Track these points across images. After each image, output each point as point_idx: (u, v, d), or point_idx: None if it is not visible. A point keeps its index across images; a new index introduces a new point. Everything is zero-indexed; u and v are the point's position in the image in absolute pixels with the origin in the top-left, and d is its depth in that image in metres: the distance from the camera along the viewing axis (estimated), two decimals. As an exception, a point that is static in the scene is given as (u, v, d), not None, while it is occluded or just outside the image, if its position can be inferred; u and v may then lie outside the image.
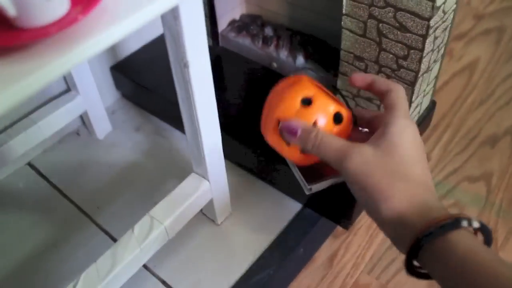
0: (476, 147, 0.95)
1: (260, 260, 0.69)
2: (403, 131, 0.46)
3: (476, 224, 0.41)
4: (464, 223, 0.40)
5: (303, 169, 0.65)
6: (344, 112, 0.54)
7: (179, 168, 0.81)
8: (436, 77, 0.77)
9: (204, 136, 0.59)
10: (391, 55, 0.67)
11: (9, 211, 0.79)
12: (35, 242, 0.74)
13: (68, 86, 0.83)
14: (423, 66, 0.67)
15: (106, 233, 0.75)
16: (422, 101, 0.76)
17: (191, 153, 0.64)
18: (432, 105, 0.82)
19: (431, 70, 0.72)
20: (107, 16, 0.39)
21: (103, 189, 0.81)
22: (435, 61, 0.71)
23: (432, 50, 0.67)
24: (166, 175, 0.81)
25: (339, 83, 0.77)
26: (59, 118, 0.80)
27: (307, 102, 0.54)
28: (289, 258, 0.70)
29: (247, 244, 0.71)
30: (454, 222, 0.40)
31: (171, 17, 0.48)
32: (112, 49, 0.91)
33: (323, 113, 0.54)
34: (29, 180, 0.84)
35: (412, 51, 0.65)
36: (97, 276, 0.58)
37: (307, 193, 0.64)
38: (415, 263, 0.43)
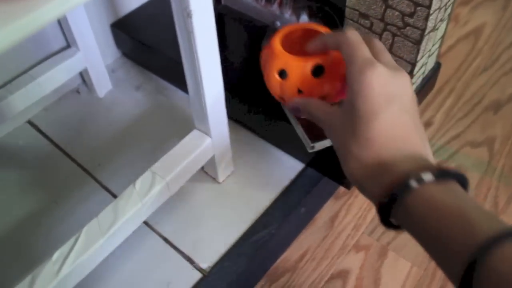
0: (479, 112, 0.94)
1: (261, 219, 0.69)
2: (358, 87, 0.43)
3: (428, 177, 0.39)
4: (413, 184, 0.38)
5: (306, 127, 0.64)
6: (325, 59, 0.56)
7: (180, 127, 0.80)
8: (442, 38, 0.76)
9: (207, 89, 0.58)
10: (397, 12, 0.66)
11: (9, 168, 0.79)
12: (36, 198, 0.74)
13: (68, 43, 0.82)
14: (430, 24, 0.66)
15: (107, 190, 0.74)
16: (427, 61, 0.75)
17: (193, 108, 0.63)
18: (437, 66, 0.81)
19: (437, 29, 0.70)
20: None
21: (104, 147, 0.80)
22: (441, 20, 0.70)
23: (439, 8, 0.66)
24: (167, 134, 0.80)
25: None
26: (59, 75, 0.79)
27: (283, 75, 0.58)
28: (291, 218, 0.70)
29: (248, 202, 0.71)
30: (403, 188, 0.39)
31: (175, -37, 0.47)
32: (113, 6, 0.89)
33: (300, 79, 0.57)
34: (30, 137, 0.83)
35: (419, 8, 0.63)
36: (98, 230, 0.58)
37: (309, 150, 0.63)
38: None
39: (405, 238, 0.76)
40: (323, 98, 0.61)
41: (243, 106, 0.75)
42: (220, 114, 0.64)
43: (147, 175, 0.62)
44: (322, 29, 0.62)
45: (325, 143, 0.63)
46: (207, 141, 0.65)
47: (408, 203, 0.38)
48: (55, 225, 0.71)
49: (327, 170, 0.73)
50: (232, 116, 0.78)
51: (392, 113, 0.42)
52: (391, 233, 0.77)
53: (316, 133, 0.63)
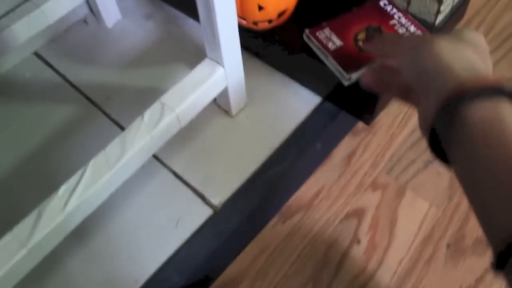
0: (509, 47, 0.88)
1: (276, 154, 0.66)
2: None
3: (491, 93, 0.35)
4: (483, 94, 0.35)
5: (339, 59, 0.61)
6: None
7: (192, 57, 0.76)
8: (475, -38, 0.70)
9: (219, 15, 0.53)
10: None
11: (18, 101, 0.77)
12: (44, 132, 0.72)
13: (72, -32, 0.77)
14: None
15: (116, 123, 0.72)
16: (457, -12, 0.69)
17: (205, 36, 0.59)
18: (467, -6, 0.75)
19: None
20: None
21: (113, 79, 0.77)
22: None
23: None
24: (178, 64, 0.77)
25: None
26: (63, 2, 0.74)
27: None
28: (306, 154, 0.67)
29: (262, 137, 0.68)
30: (472, 94, 0.35)
31: None
32: None
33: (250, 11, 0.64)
34: (36, 70, 0.80)
35: None
36: (106, 163, 0.55)
37: (346, 83, 0.60)
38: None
39: (424, 177, 0.73)
40: (283, 12, 0.66)
41: (258, 37, 0.71)
42: (233, 42, 0.60)
43: (156, 106, 0.59)
44: None
45: (361, 73, 0.60)
46: (219, 70, 0.61)
47: (469, 114, 0.35)
48: (63, 158, 0.69)
49: (345, 104, 0.69)
50: (247, 47, 0.74)
51: (454, 41, 0.40)
52: (410, 172, 0.74)
53: (349, 64, 0.59)
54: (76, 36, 0.84)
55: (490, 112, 0.35)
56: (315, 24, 0.66)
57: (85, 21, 0.85)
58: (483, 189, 0.34)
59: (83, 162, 0.56)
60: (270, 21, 0.66)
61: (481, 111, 0.35)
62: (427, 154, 0.76)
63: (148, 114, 0.58)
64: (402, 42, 0.44)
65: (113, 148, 0.56)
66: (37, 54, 0.82)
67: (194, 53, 0.78)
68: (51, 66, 0.80)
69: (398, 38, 0.46)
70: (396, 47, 0.44)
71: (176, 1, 0.84)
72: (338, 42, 0.62)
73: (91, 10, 0.85)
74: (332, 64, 0.61)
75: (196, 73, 0.61)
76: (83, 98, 0.75)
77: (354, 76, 0.59)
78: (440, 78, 0.38)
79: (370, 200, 0.72)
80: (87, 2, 0.83)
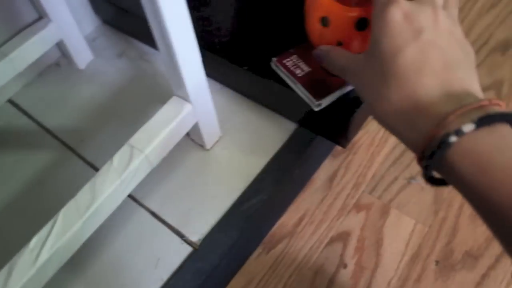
0: (486, 54, 0.88)
1: (253, 185, 0.65)
2: (381, 24, 0.39)
3: (469, 128, 0.32)
4: (452, 139, 0.33)
5: (307, 86, 0.60)
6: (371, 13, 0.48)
7: (165, 93, 0.76)
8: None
9: (178, 50, 0.53)
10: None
11: (-7, 150, 0.76)
12: (20, 180, 0.71)
13: (39, 14, 0.77)
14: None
15: (91, 166, 0.71)
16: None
17: (168, 73, 0.58)
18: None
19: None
20: None
21: (87, 121, 0.76)
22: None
23: None
24: (151, 102, 0.76)
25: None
26: (32, 49, 0.74)
27: (325, 22, 0.53)
28: (284, 181, 0.66)
29: (239, 168, 0.67)
30: (441, 145, 0.33)
31: None
32: (85, -30, 0.84)
33: (342, 29, 0.52)
34: (11, 117, 0.79)
35: None
36: (76, 212, 0.54)
37: (316, 109, 0.59)
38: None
39: (407, 194, 0.73)
40: None
41: (227, 66, 0.70)
42: (198, 76, 0.59)
43: (125, 149, 0.58)
44: None
45: (331, 98, 0.59)
46: (187, 107, 0.60)
47: (449, 159, 0.33)
48: (39, 206, 0.68)
49: (319, 129, 0.68)
50: (215, 78, 0.73)
51: (421, 46, 0.37)
52: (393, 190, 0.73)
53: (318, 90, 0.59)
54: (49, 80, 0.83)
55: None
56: (283, 50, 0.65)
57: (57, 64, 0.85)
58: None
59: (59, 208, 0.55)
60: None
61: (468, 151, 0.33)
62: (409, 171, 0.75)
63: (117, 158, 0.57)
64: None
65: (83, 195, 0.55)
66: (11, 101, 0.81)
67: (167, 88, 0.77)
68: (25, 113, 0.79)
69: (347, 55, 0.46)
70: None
71: (148, 38, 0.84)
72: (306, 68, 0.62)
73: (62, 53, 0.85)
74: (301, 91, 0.61)
75: (163, 112, 0.60)
76: (58, 143, 0.74)
77: (324, 102, 0.59)
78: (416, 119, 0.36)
79: (355, 221, 0.71)
80: (59, 46, 0.83)
